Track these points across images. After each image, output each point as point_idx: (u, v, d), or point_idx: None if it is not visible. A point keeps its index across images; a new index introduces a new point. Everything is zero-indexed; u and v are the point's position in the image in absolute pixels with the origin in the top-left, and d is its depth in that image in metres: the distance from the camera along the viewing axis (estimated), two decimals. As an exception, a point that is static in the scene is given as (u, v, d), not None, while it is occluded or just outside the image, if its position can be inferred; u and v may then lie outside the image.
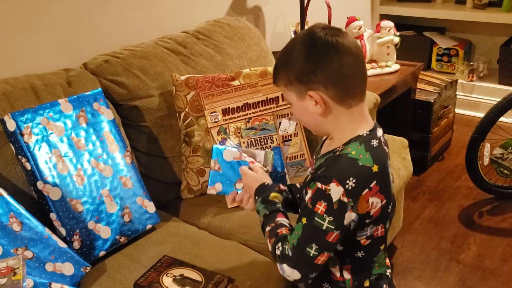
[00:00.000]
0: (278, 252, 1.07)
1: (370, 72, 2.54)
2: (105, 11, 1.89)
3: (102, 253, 1.42)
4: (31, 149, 1.33)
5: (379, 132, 1.10)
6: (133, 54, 1.76)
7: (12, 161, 1.39)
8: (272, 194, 1.18)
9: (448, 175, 2.78)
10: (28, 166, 1.34)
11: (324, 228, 1.00)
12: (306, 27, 2.46)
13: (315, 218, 1.00)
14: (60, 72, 1.64)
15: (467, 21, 3.44)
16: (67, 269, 1.28)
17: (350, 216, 1.01)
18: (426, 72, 3.06)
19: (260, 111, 1.73)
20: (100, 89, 1.55)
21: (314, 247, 1.01)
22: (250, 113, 1.72)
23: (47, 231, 1.27)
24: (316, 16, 2.63)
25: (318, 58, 1.00)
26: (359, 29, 2.51)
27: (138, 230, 1.50)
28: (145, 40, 1.90)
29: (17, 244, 1.23)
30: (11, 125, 1.33)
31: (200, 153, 1.71)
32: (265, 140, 1.71)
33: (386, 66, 2.57)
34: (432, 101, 2.65)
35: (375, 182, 1.01)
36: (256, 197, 1.20)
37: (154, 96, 1.72)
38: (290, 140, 1.75)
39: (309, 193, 1.02)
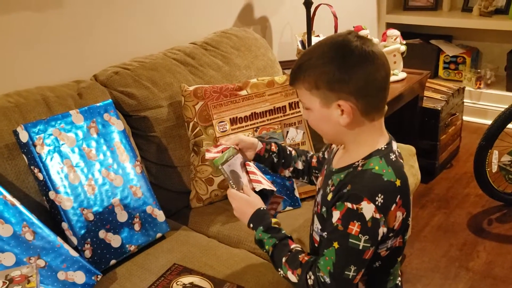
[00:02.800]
0: (310, 282, 1.02)
1: (377, 81, 2.55)
2: (114, 24, 1.92)
3: (113, 261, 1.43)
4: (43, 160, 1.36)
5: (394, 145, 1.08)
6: (143, 65, 1.79)
7: (25, 171, 1.41)
8: (273, 220, 1.12)
9: (457, 183, 2.78)
10: (41, 177, 1.36)
11: (361, 248, 0.98)
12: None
13: (350, 240, 0.97)
14: (71, 84, 1.67)
15: (474, 29, 3.45)
16: (79, 277, 1.30)
17: (382, 231, 0.99)
18: (433, 80, 3.07)
19: (267, 120, 1.75)
20: (110, 100, 1.57)
21: (353, 268, 0.99)
22: (257, 122, 1.74)
23: (59, 240, 1.30)
24: (322, 26, 2.66)
25: (353, 68, 0.98)
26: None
27: (148, 239, 1.52)
28: (154, 51, 1.93)
29: (30, 253, 1.25)
30: (23, 136, 1.35)
31: (208, 162, 1.73)
32: (273, 149, 1.73)
33: (393, 74, 2.58)
34: (440, 108, 2.66)
35: (399, 196, 1.00)
36: (251, 225, 1.13)
37: (163, 106, 1.75)
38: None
39: (337, 214, 0.99)
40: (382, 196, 0.97)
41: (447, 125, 2.79)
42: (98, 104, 1.52)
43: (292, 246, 1.09)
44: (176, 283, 1.31)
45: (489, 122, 2.49)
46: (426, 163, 2.67)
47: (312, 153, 1.35)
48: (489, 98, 3.41)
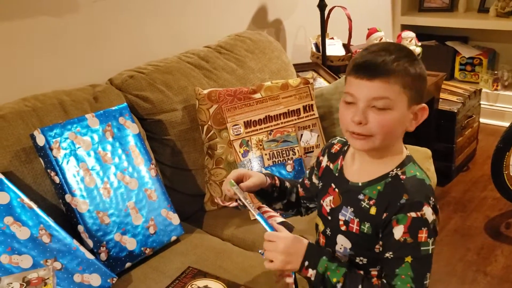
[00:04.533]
0: None
1: (392, 83, 2.53)
2: (129, 29, 1.94)
3: (128, 264, 1.44)
4: (60, 163, 1.37)
5: None
6: (157, 69, 1.80)
7: (41, 174, 1.43)
8: (328, 249, 1.08)
9: (474, 186, 2.74)
10: (57, 180, 1.38)
11: (430, 252, 0.98)
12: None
13: (422, 249, 0.96)
14: (87, 88, 1.69)
15: (491, 30, 3.40)
16: (95, 280, 1.31)
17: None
18: (449, 82, 3.04)
19: (281, 123, 1.74)
20: (125, 104, 1.59)
21: (428, 275, 0.98)
22: (271, 126, 1.74)
23: (75, 243, 1.31)
24: (336, 29, 2.65)
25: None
26: (380, 40, 2.52)
27: (163, 242, 1.52)
28: (169, 55, 1.94)
29: (47, 256, 1.26)
30: (40, 140, 1.37)
31: (222, 165, 1.73)
32: (287, 152, 1.73)
33: (408, 76, 2.56)
34: (456, 111, 2.63)
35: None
36: (307, 262, 1.00)
37: (178, 110, 1.76)
38: (312, 151, 1.76)
39: (401, 228, 0.97)
40: (432, 199, 1.00)
41: (464, 128, 2.76)
42: (113, 108, 1.53)
43: (359, 272, 1.03)
44: (190, 286, 1.31)
45: (506, 124, 2.45)
46: (442, 166, 2.65)
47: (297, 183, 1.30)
48: (507, 100, 3.37)
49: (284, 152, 1.72)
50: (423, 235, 0.96)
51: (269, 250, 1.01)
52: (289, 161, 1.72)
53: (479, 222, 2.44)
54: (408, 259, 0.96)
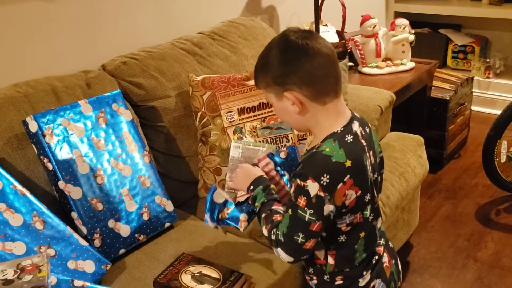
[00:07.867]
0: (273, 237, 1.15)
1: (385, 70, 2.54)
2: (122, 14, 1.92)
3: (122, 251, 1.45)
4: (53, 150, 1.36)
5: (355, 126, 1.14)
6: (150, 55, 1.79)
7: (34, 161, 1.42)
8: (272, 186, 1.26)
9: (465, 173, 2.77)
10: (50, 166, 1.37)
11: (306, 219, 1.08)
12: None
13: (298, 211, 1.09)
14: (80, 74, 1.67)
15: (483, 18, 3.41)
16: (89, 266, 1.31)
17: (328, 208, 1.08)
18: (441, 70, 3.05)
19: (275, 110, 1.74)
20: (118, 90, 1.58)
21: (301, 235, 1.10)
22: (265, 112, 1.73)
23: (68, 230, 1.30)
24: (330, 15, 2.64)
25: (290, 61, 1.08)
26: (374, 27, 2.51)
27: (156, 228, 1.53)
28: (162, 41, 1.93)
29: (40, 242, 1.26)
30: (33, 127, 1.36)
31: (216, 152, 1.73)
32: (281, 139, 1.73)
33: (401, 64, 2.57)
34: (448, 98, 2.64)
35: (348, 176, 1.08)
36: (252, 186, 1.25)
37: (171, 96, 1.75)
38: (305, 138, 1.76)
39: (292, 187, 1.11)
40: (328, 176, 1.06)
41: (456, 115, 2.78)
42: (106, 94, 1.52)
43: (274, 207, 1.20)
44: (184, 272, 1.32)
45: (498, 112, 2.47)
46: (434, 153, 2.66)
47: None
48: (498, 88, 3.39)
49: (277, 139, 1.72)
50: (301, 201, 1.08)
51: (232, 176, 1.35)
52: (282, 148, 1.72)
53: (470, 208, 2.46)
54: (290, 211, 1.11)
